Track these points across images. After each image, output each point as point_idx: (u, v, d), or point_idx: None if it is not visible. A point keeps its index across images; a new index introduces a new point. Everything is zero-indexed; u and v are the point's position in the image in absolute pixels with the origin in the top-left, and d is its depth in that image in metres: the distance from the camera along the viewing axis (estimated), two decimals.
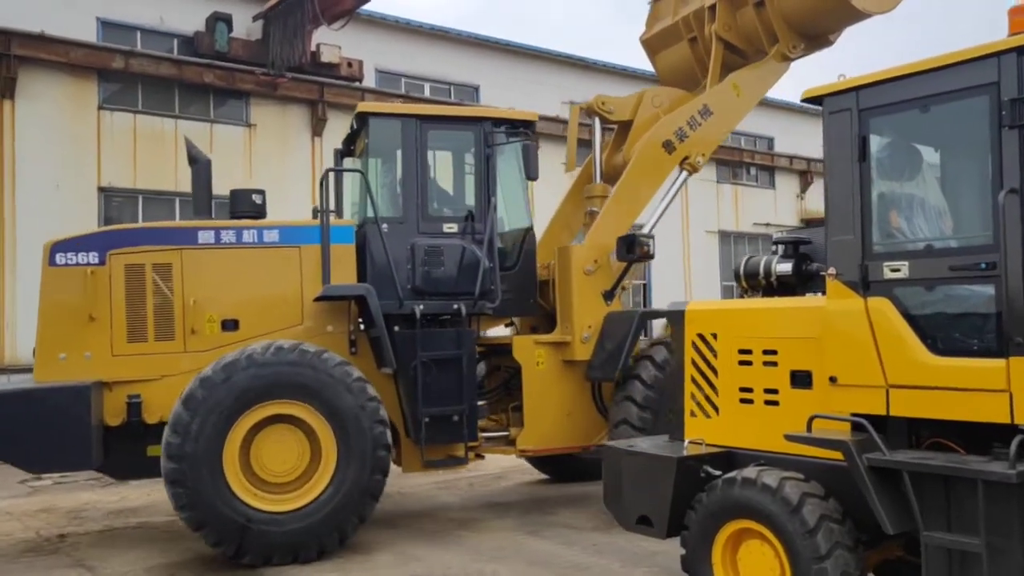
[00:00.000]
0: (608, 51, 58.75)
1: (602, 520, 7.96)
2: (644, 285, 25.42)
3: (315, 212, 8.21)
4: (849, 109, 4.44)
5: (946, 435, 4.27)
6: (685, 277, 26.13)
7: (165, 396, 7.06)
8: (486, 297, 7.97)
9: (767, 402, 5.00)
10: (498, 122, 8.36)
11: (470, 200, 8.34)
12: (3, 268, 15.01)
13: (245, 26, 18.65)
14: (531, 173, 8.27)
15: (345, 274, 7.68)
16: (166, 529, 8.27)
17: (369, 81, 20.22)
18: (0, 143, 15.60)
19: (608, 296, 8.43)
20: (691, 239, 26.36)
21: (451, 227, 8.06)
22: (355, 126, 8.54)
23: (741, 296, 5.80)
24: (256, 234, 7.69)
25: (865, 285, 4.37)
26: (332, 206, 9.01)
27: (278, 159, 18.33)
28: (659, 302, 25.35)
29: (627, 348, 7.95)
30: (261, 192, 8.22)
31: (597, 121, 9.25)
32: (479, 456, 8.60)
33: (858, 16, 8.42)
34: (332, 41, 18.69)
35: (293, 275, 7.68)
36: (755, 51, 9.05)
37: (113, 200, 16.88)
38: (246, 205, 8.08)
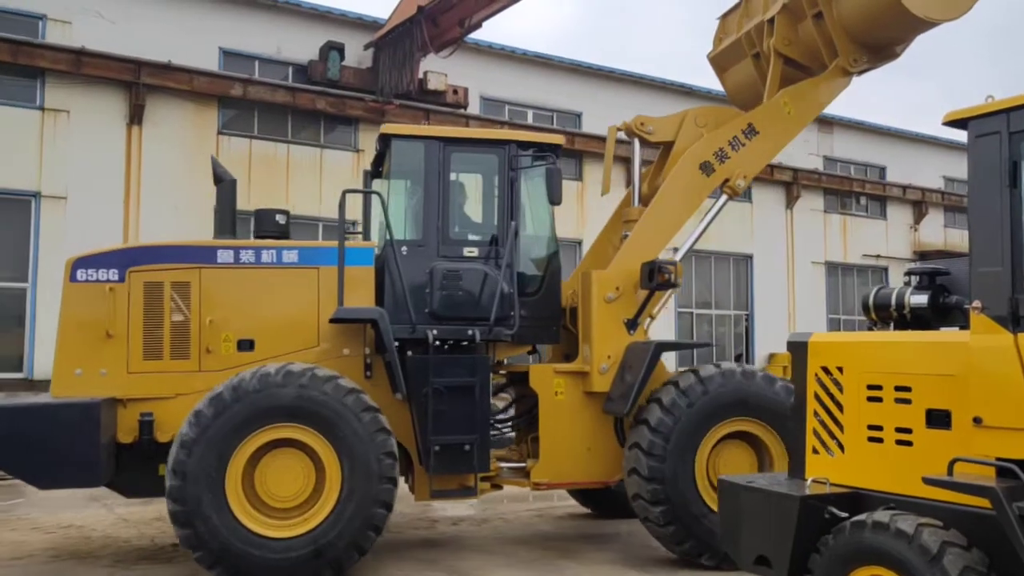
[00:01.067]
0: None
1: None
2: (746, 317, 24.81)
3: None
4: (998, 132, 4.17)
5: None
6: (789, 309, 25.37)
7: (178, 415, 6.93)
8: (502, 323, 7.69)
9: (899, 442, 4.72)
10: (524, 145, 8.11)
11: (493, 224, 8.09)
12: None
13: (356, 55, 19.26)
14: (554, 198, 7.93)
15: (363, 296, 7.55)
16: None
17: (474, 108, 20.54)
18: (127, 166, 16.52)
19: (631, 325, 8.00)
20: (796, 270, 25.59)
21: (472, 251, 7.81)
22: (379, 148, 8.43)
23: (870, 328, 5.52)
24: (275, 254, 7.61)
25: (1015, 320, 4.07)
26: (360, 228, 8.97)
27: None
28: (762, 335, 24.71)
29: (639, 383, 7.47)
30: (285, 212, 8.20)
31: (636, 142, 8.90)
32: (496, 487, 8.28)
33: (922, 25, 7.89)
34: (439, 69, 19.08)
35: (310, 296, 7.57)
36: (819, 66, 8.57)
37: None
38: (269, 225, 8.06)
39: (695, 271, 23.83)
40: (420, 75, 18.83)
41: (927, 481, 4.26)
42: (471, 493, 7.73)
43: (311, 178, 18.16)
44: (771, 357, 24.64)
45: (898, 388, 4.72)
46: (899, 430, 4.71)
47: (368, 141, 18.96)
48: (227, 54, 18.43)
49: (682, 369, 8.02)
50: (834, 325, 26.27)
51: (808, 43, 8.49)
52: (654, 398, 7.57)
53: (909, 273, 5.24)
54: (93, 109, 16.31)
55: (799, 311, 25.45)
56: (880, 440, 4.81)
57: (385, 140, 8.12)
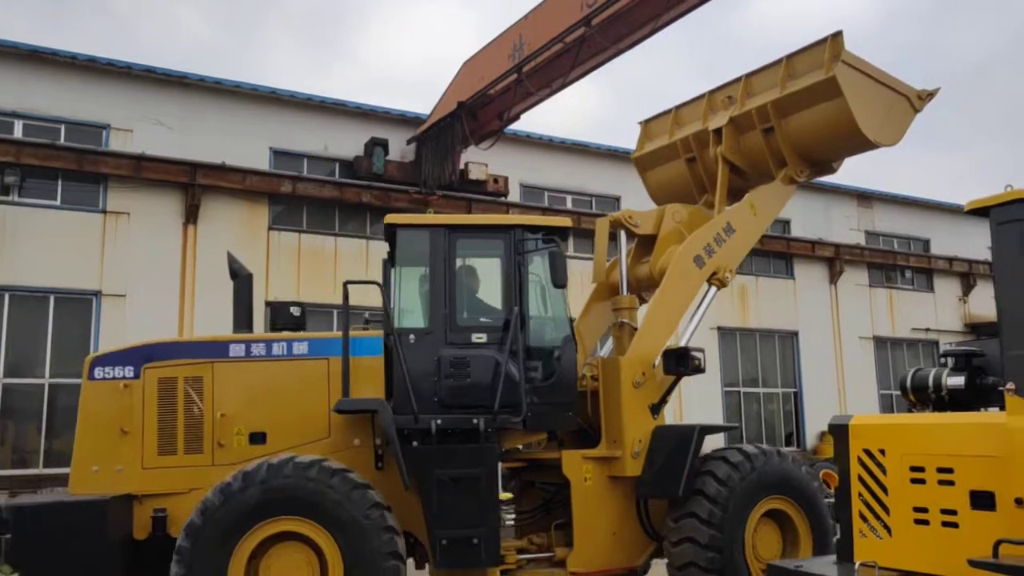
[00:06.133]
0: None
1: None
2: (795, 394, 24.48)
3: (365, 321, 8.16)
4: (1020, 220, 4.33)
5: None
6: (838, 385, 24.97)
7: (191, 510, 6.79)
8: (510, 411, 7.43)
9: (945, 523, 4.74)
10: (530, 229, 7.99)
11: (502, 309, 7.93)
12: None
13: (400, 149, 20.00)
14: (557, 280, 7.75)
15: (372, 386, 7.45)
16: None
17: (514, 196, 21.05)
18: (183, 264, 17.19)
19: (655, 410, 8.18)
20: (844, 346, 25.29)
21: (480, 337, 7.62)
22: (386, 238, 8.44)
23: (909, 410, 5.58)
24: (285, 347, 7.63)
25: None
26: (367, 317, 9.03)
27: None
28: (812, 412, 24.29)
29: (689, 464, 7.59)
30: (300, 305, 8.27)
31: (623, 234, 9.15)
32: None
33: (869, 147, 8.67)
34: (480, 159, 19.69)
35: (320, 388, 7.51)
36: (757, 173, 9.34)
37: None
38: (285, 318, 8.13)
39: (740, 349, 23.72)
40: (462, 166, 19.44)
41: (972, 563, 4.28)
42: None
43: (358, 269, 18.65)
44: (823, 435, 24.18)
45: (940, 470, 4.78)
46: (944, 511, 4.75)
47: None
48: (277, 153, 19.23)
49: (730, 446, 8.13)
50: (886, 401, 25.77)
51: (749, 153, 9.27)
52: (704, 471, 7.72)
53: (945, 355, 5.33)
54: (151, 211, 17.04)
55: (849, 387, 25.05)
56: (926, 522, 4.84)
57: (391, 230, 8.12)
